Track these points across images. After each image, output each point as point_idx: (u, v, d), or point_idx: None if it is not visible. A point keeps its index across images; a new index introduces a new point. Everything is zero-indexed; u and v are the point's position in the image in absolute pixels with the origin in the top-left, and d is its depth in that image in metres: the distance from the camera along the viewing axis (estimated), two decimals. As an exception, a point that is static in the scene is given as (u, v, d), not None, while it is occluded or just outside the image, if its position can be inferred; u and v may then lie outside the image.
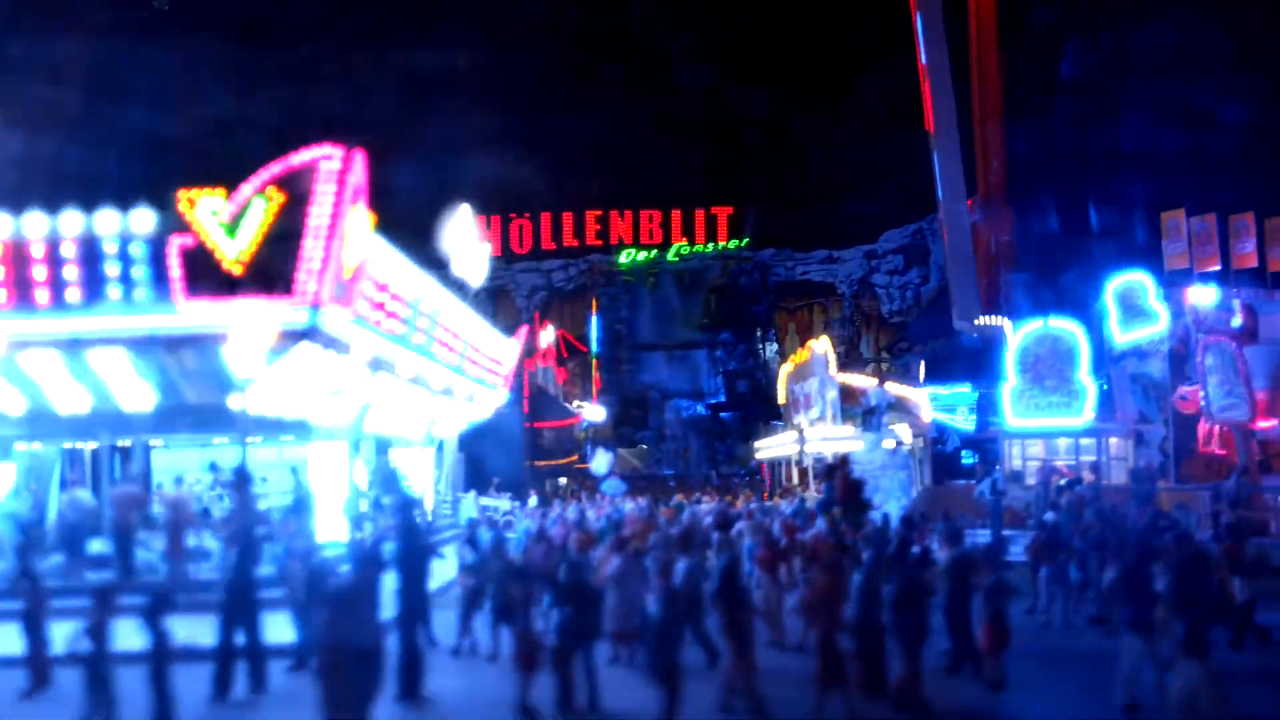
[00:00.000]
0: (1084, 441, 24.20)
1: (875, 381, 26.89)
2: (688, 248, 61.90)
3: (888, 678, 11.70)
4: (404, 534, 13.06)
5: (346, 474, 20.21)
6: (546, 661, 11.40)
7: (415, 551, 13.11)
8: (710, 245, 61.76)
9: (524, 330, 31.27)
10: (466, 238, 23.89)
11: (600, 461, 27.01)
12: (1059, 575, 16.29)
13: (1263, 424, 22.18)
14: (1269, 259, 28.75)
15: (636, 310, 61.38)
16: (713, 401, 59.41)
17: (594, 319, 59.86)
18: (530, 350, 43.59)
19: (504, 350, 28.32)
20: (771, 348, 60.50)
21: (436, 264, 25.86)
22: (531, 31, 70.29)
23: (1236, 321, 25.27)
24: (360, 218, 15.61)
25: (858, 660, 11.43)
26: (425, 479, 28.19)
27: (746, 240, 61.93)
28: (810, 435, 26.97)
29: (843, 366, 53.07)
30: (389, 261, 17.36)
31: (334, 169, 14.95)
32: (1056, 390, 23.78)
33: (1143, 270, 28.03)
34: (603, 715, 11.57)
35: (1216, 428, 22.97)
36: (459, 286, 24.28)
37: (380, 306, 17.62)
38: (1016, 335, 24.94)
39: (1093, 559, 15.91)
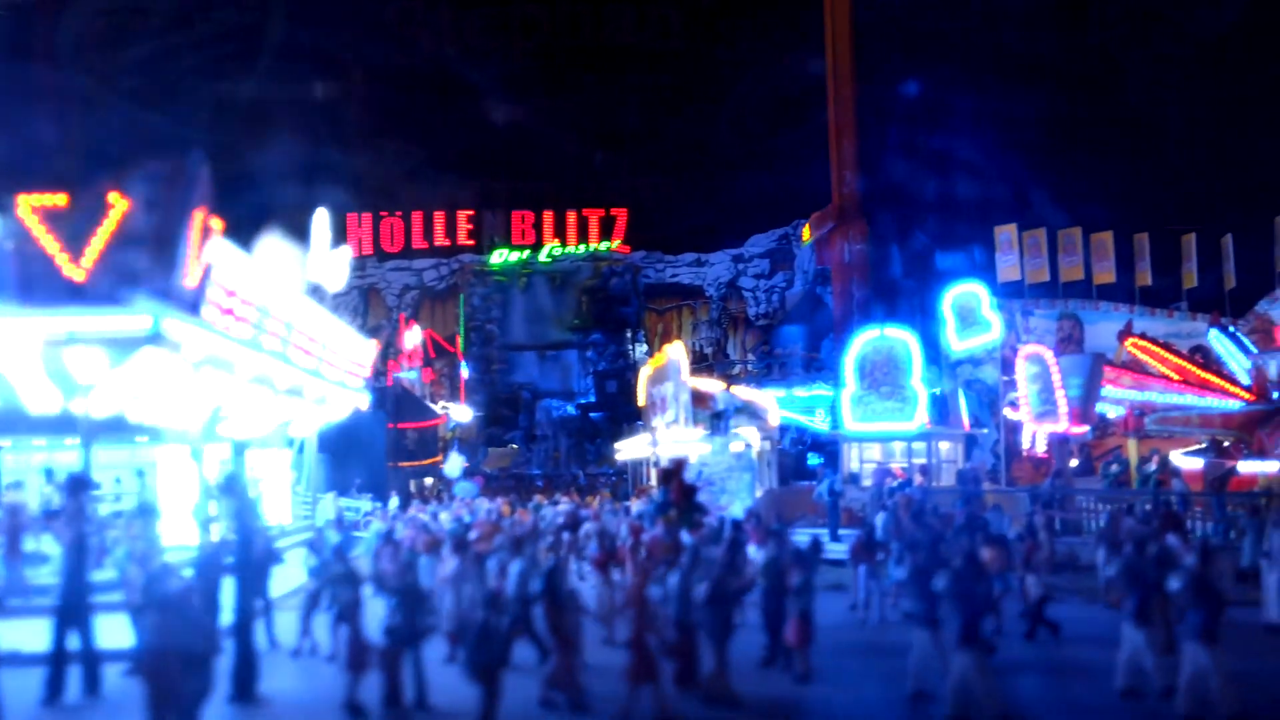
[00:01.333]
0: (916, 445, 25.55)
1: (723, 385, 27.88)
2: (560, 249, 62.47)
3: (699, 672, 12.55)
4: (240, 538, 13.37)
5: (196, 477, 20.26)
6: (376, 661, 11.91)
7: (251, 555, 13.43)
8: (582, 247, 62.45)
9: (385, 332, 31.40)
10: (322, 240, 24.04)
11: (454, 464, 27.37)
12: (876, 573, 17.38)
13: (1076, 429, 23.79)
14: (1094, 272, 30.71)
15: (508, 310, 61.71)
16: (583, 402, 60.11)
17: (462, 319, 60.00)
18: (395, 351, 43.67)
19: (362, 351, 28.43)
20: (642, 349, 61.45)
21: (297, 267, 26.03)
22: (411, 29, 69.99)
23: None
24: (206, 222, 15.79)
25: (673, 656, 12.24)
26: (282, 481, 28.19)
27: (618, 242, 62.79)
28: (664, 438, 27.84)
29: (710, 369, 54.55)
30: (238, 265, 17.50)
31: (178, 175, 15.13)
32: (891, 396, 25.07)
33: (979, 281, 29.65)
34: (429, 713, 12.11)
35: (1037, 432, 24.56)
36: (315, 289, 24.44)
37: (229, 311, 17.78)
38: (855, 343, 26.21)
39: (907, 558, 17.03)
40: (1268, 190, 33.46)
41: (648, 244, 64.31)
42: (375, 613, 12.69)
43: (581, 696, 12.10)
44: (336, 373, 25.66)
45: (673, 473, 17.74)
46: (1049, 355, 23.64)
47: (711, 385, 27.55)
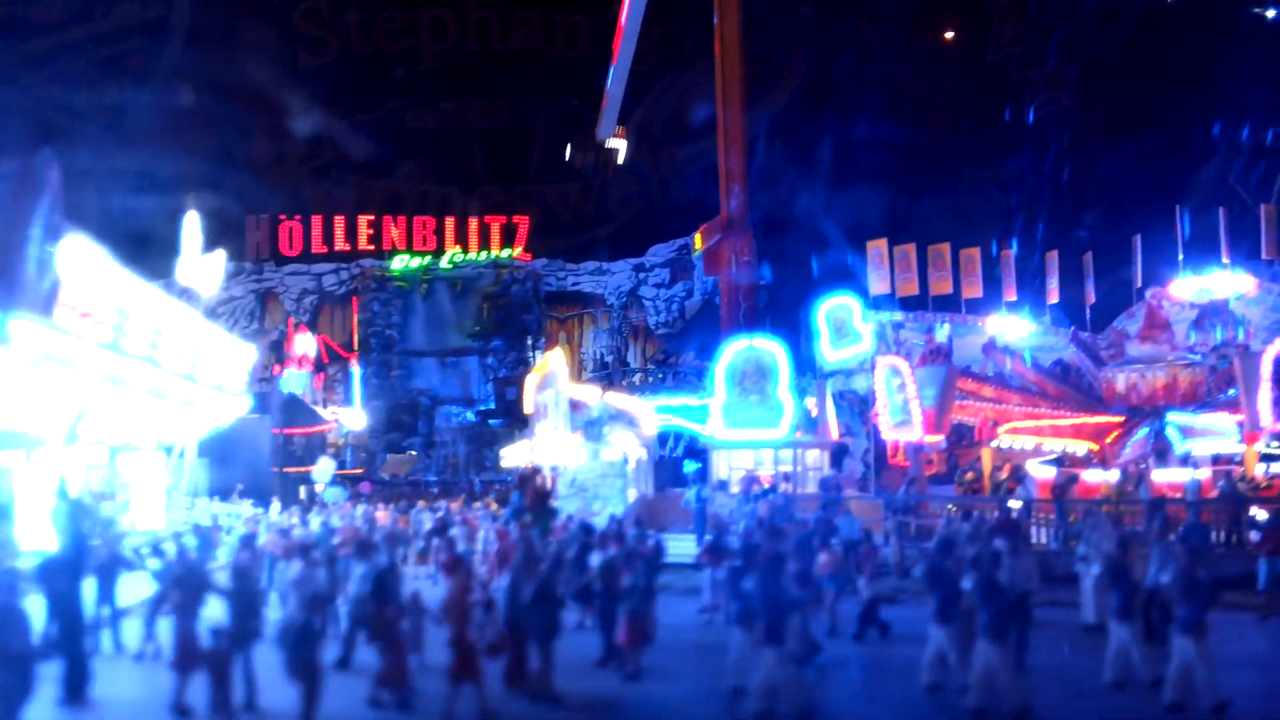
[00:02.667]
0: (784, 453, 26.29)
1: (599, 393, 28.39)
2: (462, 255, 62.53)
3: (528, 671, 12.98)
4: (69, 543, 13.46)
5: (57, 481, 20.13)
6: (207, 662, 12.11)
7: (81, 560, 13.52)
8: (484, 254, 62.57)
9: (269, 336, 31.33)
10: (193, 245, 24.05)
11: (323, 469, 27.44)
12: (718, 578, 17.94)
13: (929, 439, 24.73)
14: (963, 286, 31.83)
15: (409, 316, 61.54)
16: (482, 408, 60.21)
17: (358, 324, 59.75)
18: (284, 355, 43.38)
19: (242, 357, 28.38)
20: (541, 356, 61.72)
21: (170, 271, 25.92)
22: (317, 32, 69.41)
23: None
24: (58, 225, 15.81)
25: (498, 655, 12.64)
26: (157, 486, 28.01)
27: (520, 250, 63.05)
28: (542, 445, 28.24)
29: (609, 376, 55.04)
30: (97, 267, 17.51)
31: (25, 175, 15.14)
32: (759, 405, 25.78)
33: (852, 294, 30.60)
34: (258, 713, 12.34)
35: (899, 441, 25.47)
36: (186, 293, 24.41)
37: (87, 315, 17.77)
38: (725, 352, 26.90)
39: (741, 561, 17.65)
40: (1129, 207, 35.08)
41: (550, 252, 64.70)
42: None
43: (409, 695, 12.45)
44: (209, 376, 25.61)
45: (527, 479, 18.13)
46: (905, 366, 24.54)
47: (587, 393, 28.03)
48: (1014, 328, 31.15)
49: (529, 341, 61.79)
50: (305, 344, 45.02)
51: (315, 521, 22.48)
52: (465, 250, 62.60)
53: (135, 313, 18.69)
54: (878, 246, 31.45)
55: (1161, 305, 27.43)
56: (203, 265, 24.55)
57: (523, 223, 63.86)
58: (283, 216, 62.02)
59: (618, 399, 28.46)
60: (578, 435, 26.69)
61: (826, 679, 13.77)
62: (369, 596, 12.85)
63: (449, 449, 58.99)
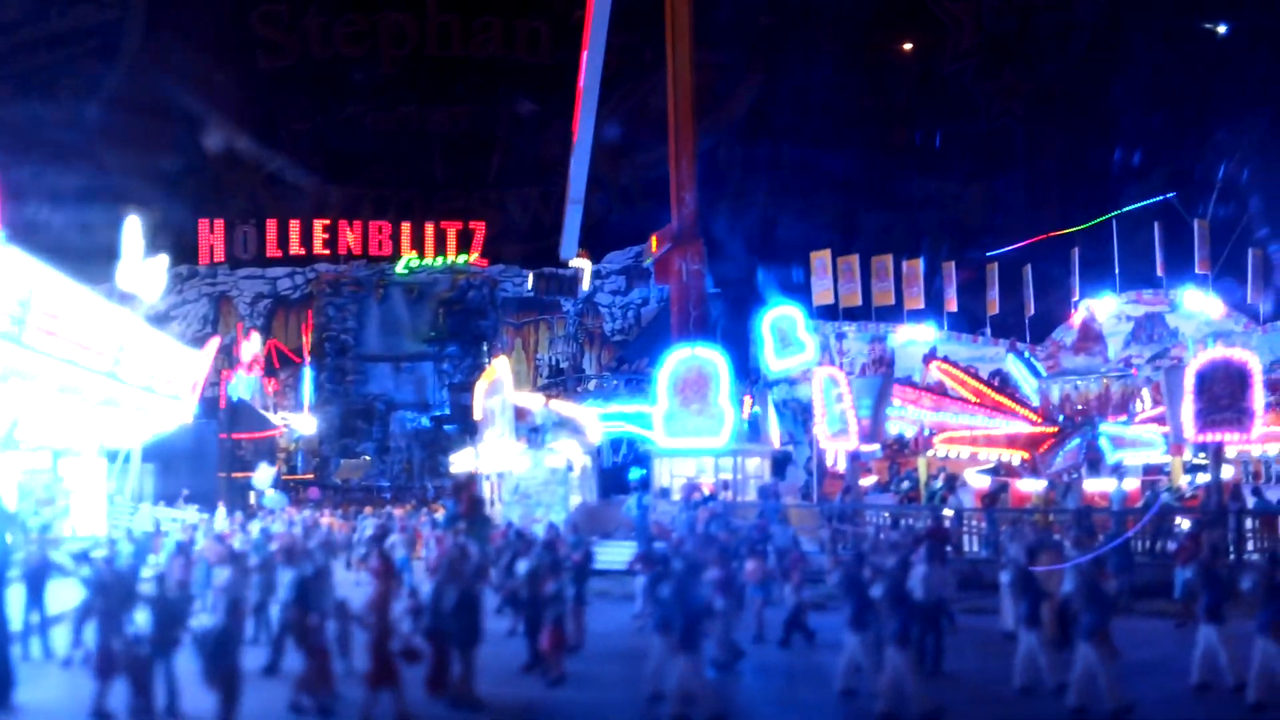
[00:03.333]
0: (725, 461, 26.63)
1: (542, 401, 28.61)
2: (418, 260, 62.52)
3: (450, 677, 13.17)
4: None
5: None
6: (129, 668, 12.22)
7: (4, 567, 13.58)
8: (440, 259, 62.60)
9: (215, 341, 31.32)
10: (134, 250, 24.04)
11: (262, 476, 27.47)
12: (650, 586, 18.19)
13: (866, 447, 25.16)
14: (905, 297, 32.33)
15: (364, 321, 61.43)
16: (437, 414, 60.19)
17: (313, 329, 59.63)
18: (232, 360, 43.26)
19: (188, 362, 28.34)
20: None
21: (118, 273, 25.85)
22: (276, 35, 69.13)
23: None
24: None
25: (415, 661, 12.83)
26: (98, 492, 27.91)
27: (476, 255, 63.13)
28: (486, 451, 28.43)
29: (563, 383, 55.25)
30: (26, 273, 17.49)
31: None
32: (701, 413, 26.10)
33: (796, 304, 31.01)
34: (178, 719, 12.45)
35: (838, 450, 25.88)
36: (127, 298, 24.39)
37: (15, 318, 17.75)
38: (668, 361, 27.21)
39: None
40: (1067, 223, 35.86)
41: (506, 257, 64.78)
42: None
43: (330, 701, 12.61)
44: (154, 382, 25.55)
45: (462, 486, 18.33)
46: (841, 376, 24.95)
47: (531, 400, 28.24)
48: (956, 339, 31.69)
49: (484, 347, 61.79)
50: (253, 349, 44.84)
51: (255, 528, 22.55)
52: (421, 255, 62.59)
53: (66, 316, 18.64)
54: (821, 257, 31.91)
55: (1094, 318, 28.03)
56: (144, 270, 24.53)
57: (479, 228, 63.95)
58: (237, 220, 61.74)
59: (562, 406, 28.71)
60: (522, 442, 26.88)
61: (745, 685, 14.08)
62: (292, 603, 13.00)
63: (403, 454, 58.95)
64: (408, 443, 59.03)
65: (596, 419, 28.95)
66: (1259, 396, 21.34)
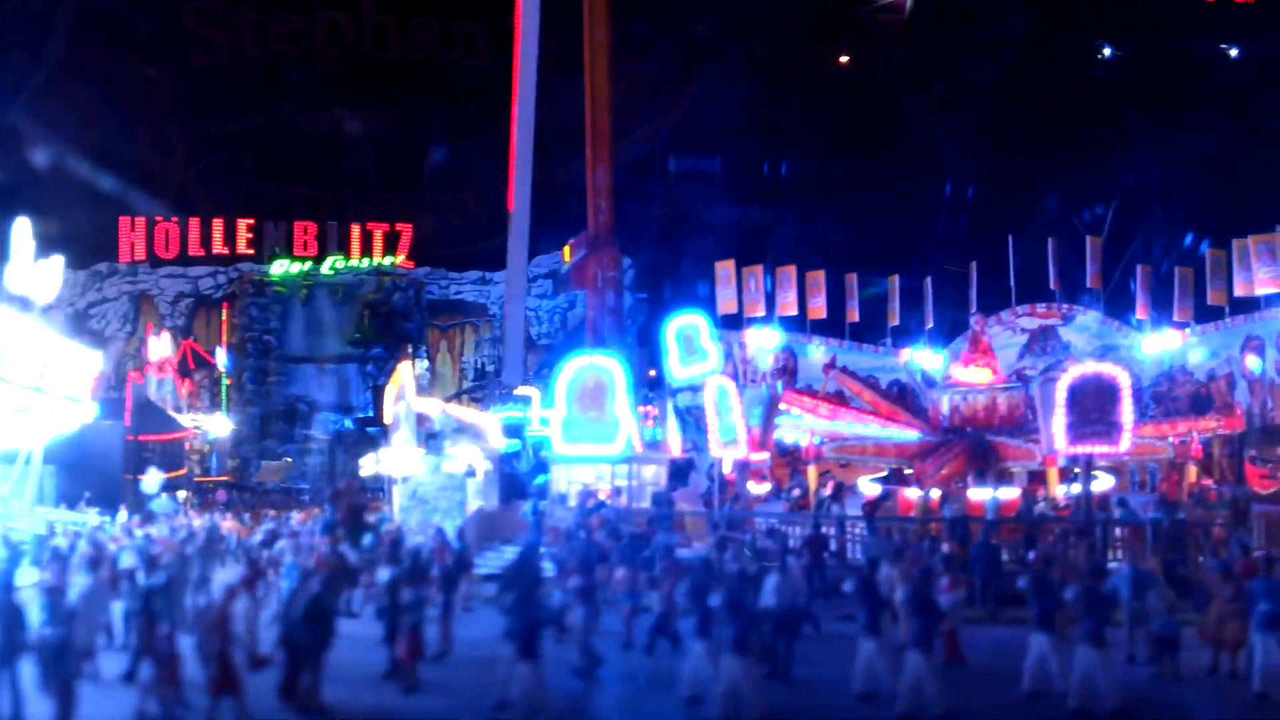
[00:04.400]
0: (621, 468, 26.96)
1: (441, 406, 28.78)
2: (344, 262, 62.21)
3: (300, 685, 13.33)
4: None
5: None
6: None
7: None
8: (366, 261, 62.34)
9: (118, 344, 31.06)
10: (24, 251, 23.85)
11: (151, 480, 27.35)
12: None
13: (755, 456, 25.62)
14: (808, 307, 32.89)
15: (288, 322, 60.96)
16: (360, 416, 59.91)
17: (236, 329, 59.18)
18: (140, 361, 42.83)
19: (84, 363, 28.06)
20: (423, 364, 61.65)
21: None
22: (209, 32, 68.37)
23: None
24: None
25: (282, 668, 12.99)
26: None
27: (402, 257, 62.95)
28: (388, 456, 28.55)
29: (484, 386, 55.37)
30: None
31: None
32: (597, 421, 26.41)
33: (700, 312, 31.43)
34: (20, 726, 12.49)
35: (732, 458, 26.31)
36: (21, 300, 24.18)
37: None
38: (566, 368, 27.51)
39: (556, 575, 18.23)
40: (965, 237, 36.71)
41: (433, 260, 64.66)
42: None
43: (176, 708, 12.71)
44: (45, 382, 25.30)
45: (341, 494, 18.46)
46: (732, 386, 25.40)
47: (430, 405, 28.38)
48: (858, 349, 32.29)
49: (410, 349, 61.57)
50: (163, 349, 44.38)
51: (139, 533, 22.44)
52: (347, 257, 62.29)
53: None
54: (725, 267, 32.38)
55: (985, 331, 28.74)
56: (37, 271, 24.33)
57: (406, 230, 63.77)
58: (159, 218, 61.03)
59: (462, 412, 28.89)
60: (421, 447, 27.03)
61: (597, 691, 14.39)
62: (140, 611, 13.10)
63: (325, 456, 58.65)
64: (330, 445, 58.72)
65: (497, 424, 29.14)
66: (1128, 410, 22.07)
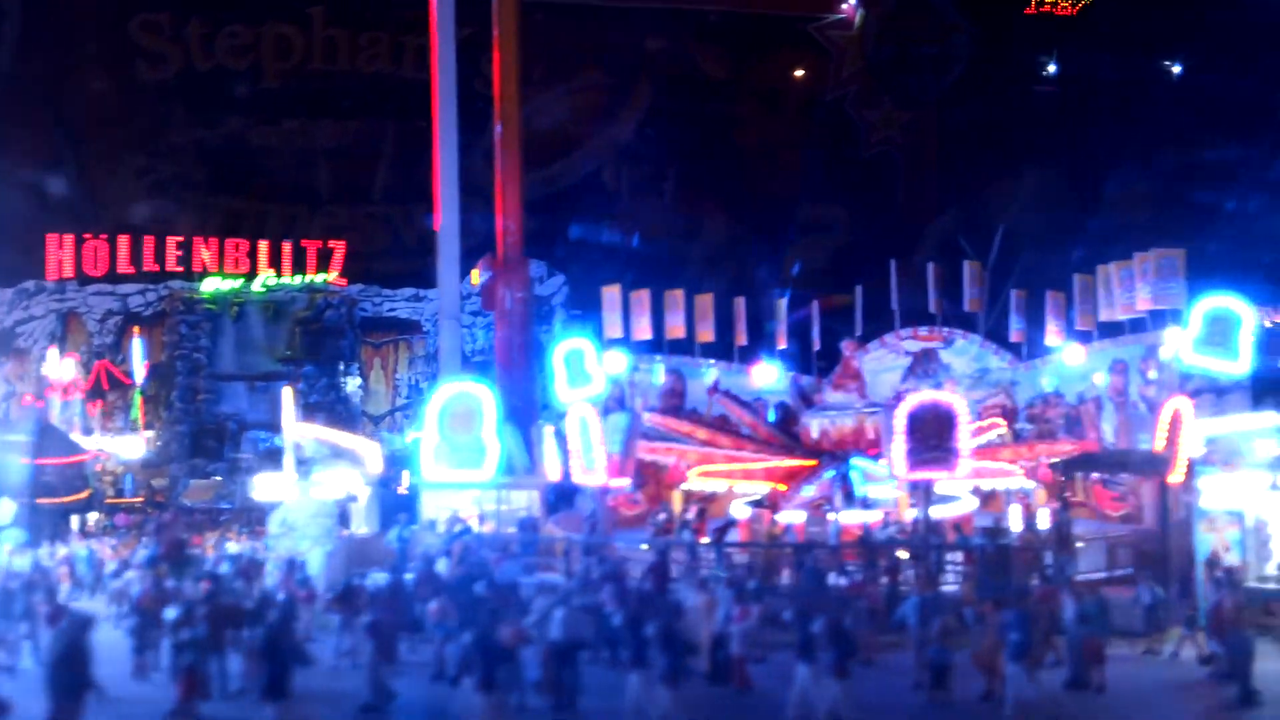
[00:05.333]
0: (491, 494, 27.21)
1: (312, 431, 28.99)
2: (275, 278, 62.18)
3: None
4: None
5: None
6: None
7: None
8: (298, 278, 62.33)
9: (8, 364, 31.09)
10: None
11: (2, 510, 27.40)
12: (349, 624, 18.63)
13: (615, 483, 25.91)
14: (697, 331, 33.21)
15: (218, 339, 60.86)
16: (291, 434, 59.89)
17: (164, 347, 59.09)
18: (42, 383, 42.76)
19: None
20: (355, 382, 61.78)
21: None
22: (157, 45, 68.25)
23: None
24: None
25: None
26: None
27: (335, 274, 62.96)
28: (261, 482, 28.72)
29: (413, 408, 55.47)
30: None
31: None
32: (467, 446, 26.66)
33: (587, 336, 31.70)
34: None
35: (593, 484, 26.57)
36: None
37: None
38: (437, 394, 27.76)
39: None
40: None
41: (367, 277, 64.68)
42: None
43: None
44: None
45: (165, 526, 18.64)
46: (592, 412, 25.69)
47: (303, 430, 28.55)
48: (745, 371, 32.60)
49: (342, 367, 61.70)
50: (65, 371, 44.30)
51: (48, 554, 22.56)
52: (279, 273, 62.27)
53: None
54: (611, 291, 32.69)
55: (855, 356, 29.12)
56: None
57: (339, 247, 63.72)
58: (87, 235, 60.86)
59: (337, 436, 29.08)
60: (294, 473, 27.20)
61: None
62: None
63: (254, 475, 58.47)
64: (260, 463, 58.59)
65: (377, 449, 29.35)
66: (964, 437, 22.49)
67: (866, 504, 26.30)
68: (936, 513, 24.95)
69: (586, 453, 25.52)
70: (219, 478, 59.02)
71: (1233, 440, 21.25)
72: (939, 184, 53.20)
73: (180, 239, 61.92)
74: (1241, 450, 20.99)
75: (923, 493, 22.92)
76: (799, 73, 68.28)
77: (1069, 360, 29.21)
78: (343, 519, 30.20)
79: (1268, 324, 26.89)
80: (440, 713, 15.85)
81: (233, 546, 28.22)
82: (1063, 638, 17.46)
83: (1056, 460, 26.40)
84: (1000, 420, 29.54)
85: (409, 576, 20.14)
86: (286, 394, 29.90)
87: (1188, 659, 18.69)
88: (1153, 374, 26.27)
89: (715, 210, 61.38)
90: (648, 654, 14.16)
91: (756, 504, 27.91)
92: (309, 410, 60.09)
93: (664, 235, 61.14)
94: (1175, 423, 22.54)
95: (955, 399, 22.83)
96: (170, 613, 15.47)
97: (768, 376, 31.63)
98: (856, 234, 55.25)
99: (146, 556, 19.43)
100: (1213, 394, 25.22)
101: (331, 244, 63.53)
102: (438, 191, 42.77)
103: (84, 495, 38.07)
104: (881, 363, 32.18)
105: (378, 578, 20.14)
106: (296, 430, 28.24)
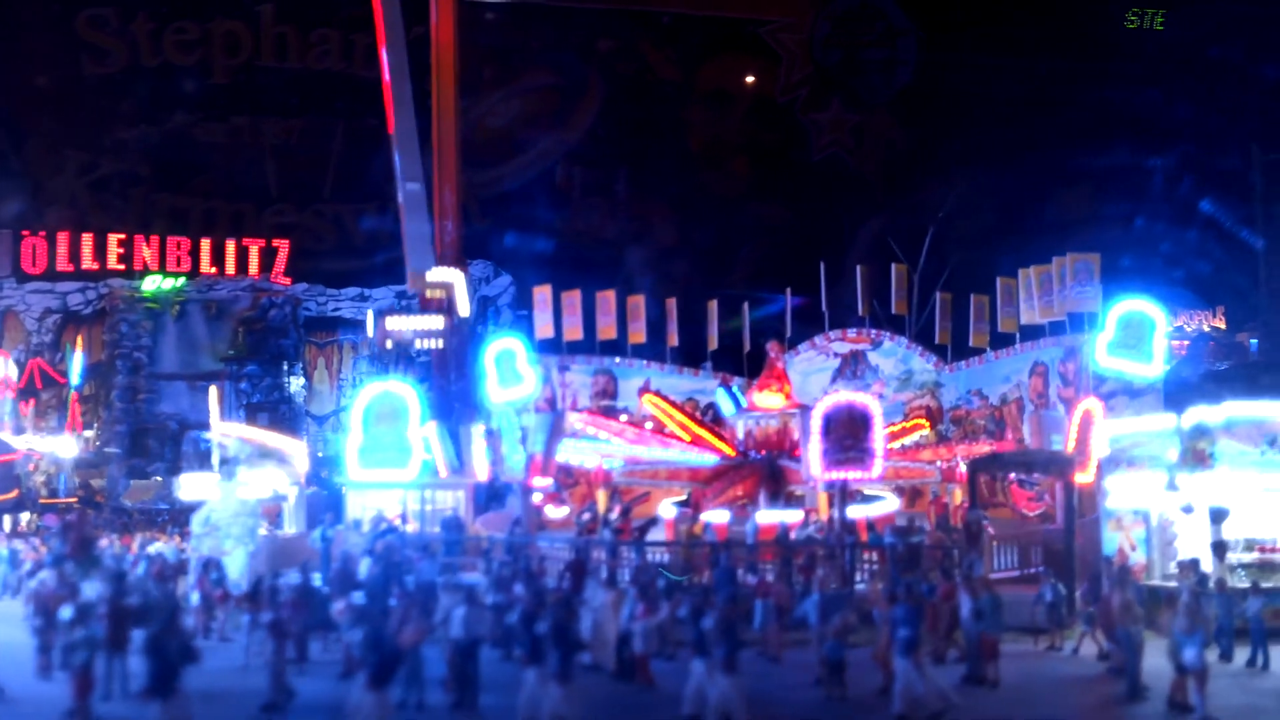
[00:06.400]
0: (416, 493, 27.25)
1: (237, 431, 28.89)
2: (219, 277, 61.71)
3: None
4: None
5: None
6: None
7: None
8: (241, 276, 61.89)
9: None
10: None
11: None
12: (256, 623, 18.61)
13: (539, 481, 26.03)
14: (630, 331, 33.42)
15: (159, 338, 60.25)
16: (233, 433, 59.44)
17: (105, 346, 58.51)
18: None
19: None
20: (299, 382, 61.42)
21: None
22: (103, 40, 67.46)
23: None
24: None
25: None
26: None
27: (279, 273, 62.58)
28: (187, 481, 28.56)
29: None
30: None
31: None
32: (391, 446, 26.68)
33: (518, 336, 31.84)
34: None
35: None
36: None
37: None
38: (362, 393, 27.77)
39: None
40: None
41: (313, 276, 64.32)
42: None
43: None
44: None
45: (71, 526, 18.54)
46: (512, 414, 25.81)
47: (227, 429, 28.44)
48: (677, 372, 32.85)
49: (285, 367, 61.29)
50: (-2, 369, 43.75)
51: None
52: (222, 272, 61.79)
53: None
54: (543, 292, 32.83)
55: (780, 357, 29.42)
56: None
57: (283, 246, 63.39)
58: (25, 232, 60.10)
59: (264, 436, 28.97)
60: (218, 473, 27.09)
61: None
62: None
63: (180, 475, 57.94)
64: (200, 463, 58.07)
65: (303, 449, 29.26)
66: (879, 438, 22.81)
67: (790, 504, 26.56)
68: (860, 512, 25.31)
69: (511, 452, 25.60)
70: (159, 478, 58.42)
71: (1137, 441, 21.69)
72: (879, 188, 53.71)
73: (122, 237, 61.33)
74: (1146, 451, 21.43)
75: (839, 492, 23.22)
76: (749, 78, 68.81)
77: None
78: (279, 519, 30.24)
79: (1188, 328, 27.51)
80: (339, 711, 15.86)
81: (156, 546, 27.99)
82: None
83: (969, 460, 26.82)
84: (924, 421, 29.95)
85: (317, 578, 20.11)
86: (212, 393, 29.78)
87: (1088, 655, 19.08)
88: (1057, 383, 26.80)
89: (664, 211, 61.76)
90: (541, 651, 14.29)
91: (682, 504, 28.11)
92: (252, 410, 59.79)
93: (614, 236, 61.43)
94: (1085, 424, 23.00)
95: (871, 400, 23.16)
96: (66, 612, 15.41)
97: (697, 378, 31.92)
98: (803, 236, 55.78)
99: (50, 556, 19.32)
100: (1127, 396, 25.76)
101: (276, 243, 63.15)
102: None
103: (13, 495, 37.64)
104: (812, 364, 32.53)
105: (291, 578, 20.09)
106: (221, 429, 28.11)
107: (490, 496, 30.57)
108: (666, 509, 27.93)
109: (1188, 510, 20.21)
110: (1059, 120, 47.63)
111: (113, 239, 61.16)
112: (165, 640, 12.80)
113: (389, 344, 36.26)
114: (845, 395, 23.85)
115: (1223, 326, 54.04)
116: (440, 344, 35.50)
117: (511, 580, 18.76)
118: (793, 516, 25.77)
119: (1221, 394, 25.05)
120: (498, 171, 69.62)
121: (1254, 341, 49.78)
